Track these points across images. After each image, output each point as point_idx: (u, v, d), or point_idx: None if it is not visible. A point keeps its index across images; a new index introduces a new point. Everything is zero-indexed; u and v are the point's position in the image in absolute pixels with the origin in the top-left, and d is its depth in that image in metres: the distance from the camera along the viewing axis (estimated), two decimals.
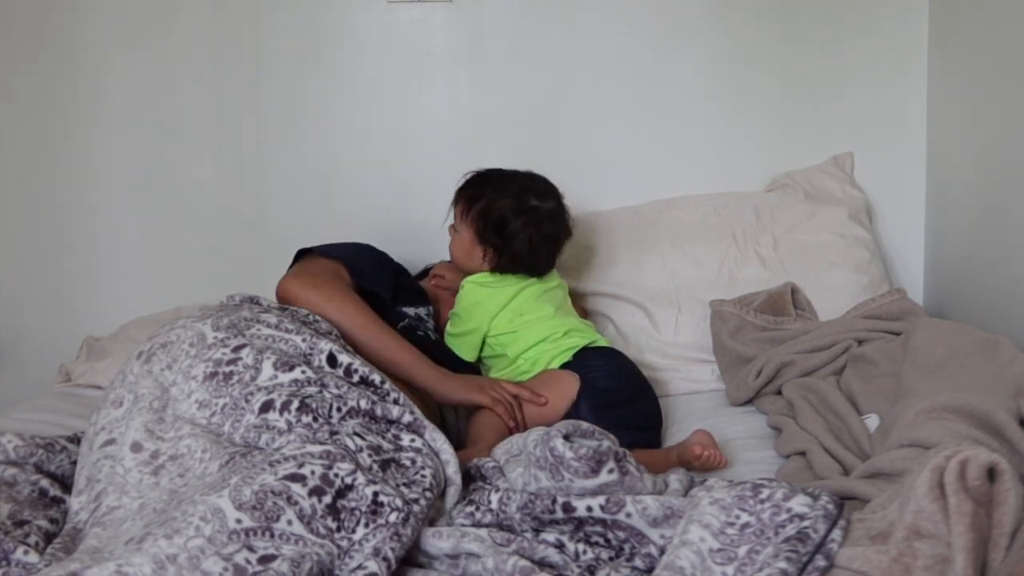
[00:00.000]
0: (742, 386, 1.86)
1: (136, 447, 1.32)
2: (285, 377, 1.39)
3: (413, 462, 1.29)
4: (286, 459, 1.20)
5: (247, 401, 1.35)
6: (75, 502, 1.32)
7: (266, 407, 1.34)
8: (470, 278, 1.88)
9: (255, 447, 1.31)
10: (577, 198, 2.29)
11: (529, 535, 1.21)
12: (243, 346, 1.42)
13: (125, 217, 2.35)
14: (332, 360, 1.46)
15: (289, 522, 1.13)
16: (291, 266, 1.81)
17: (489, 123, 2.32)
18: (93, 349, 2.17)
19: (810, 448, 1.51)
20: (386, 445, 1.30)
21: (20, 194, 2.32)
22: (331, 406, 1.34)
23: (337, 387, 1.39)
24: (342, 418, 1.34)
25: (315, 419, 1.33)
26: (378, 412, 1.36)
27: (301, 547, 1.11)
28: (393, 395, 1.43)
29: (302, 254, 1.83)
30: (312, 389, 1.38)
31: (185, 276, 2.34)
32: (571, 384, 1.74)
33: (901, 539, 1.00)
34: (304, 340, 1.47)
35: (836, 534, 1.04)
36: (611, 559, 1.18)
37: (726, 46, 2.31)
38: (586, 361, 1.79)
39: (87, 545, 1.19)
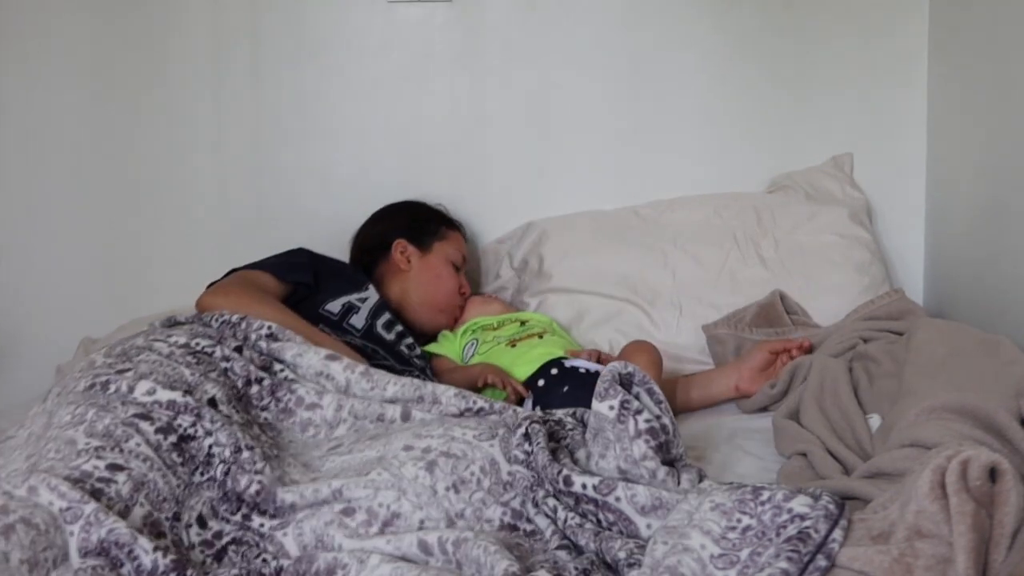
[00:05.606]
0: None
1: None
2: (164, 396, 1.34)
3: (258, 544, 1.23)
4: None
5: (122, 404, 1.32)
6: None
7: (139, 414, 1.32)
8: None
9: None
10: (577, 198, 2.31)
11: (531, 508, 1.24)
12: (127, 370, 1.40)
13: (124, 217, 2.34)
14: (212, 402, 1.38)
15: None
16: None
17: (489, 123, 2.32)
18: (90, 351, 2.16)
19: (811, 448, 1.51)
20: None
21: (18, 194, 2.31)
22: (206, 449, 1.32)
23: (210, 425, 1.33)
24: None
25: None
26: (228, 485, 1.28)
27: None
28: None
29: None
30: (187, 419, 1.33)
31: (184, 276, 2.32)
32: None
33: (902, 539, 1.00)
34: (192, 375, 1.41)
35: (837, 534, 1.04)
36: (597, 534, 1.19)
37: (726, 46, 2.30)
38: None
39: None
